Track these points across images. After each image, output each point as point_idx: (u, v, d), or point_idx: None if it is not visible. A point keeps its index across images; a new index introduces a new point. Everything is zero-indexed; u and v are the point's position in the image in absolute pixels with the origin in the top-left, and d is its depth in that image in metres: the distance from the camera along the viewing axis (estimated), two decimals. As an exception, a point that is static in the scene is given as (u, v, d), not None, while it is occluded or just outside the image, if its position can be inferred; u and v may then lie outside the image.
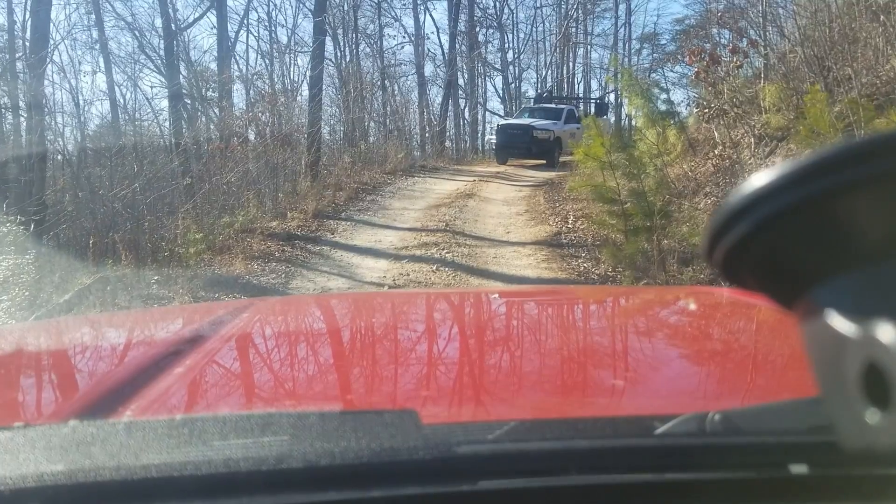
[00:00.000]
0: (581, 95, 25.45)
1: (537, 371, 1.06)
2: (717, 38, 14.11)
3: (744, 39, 10.32)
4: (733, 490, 0.53)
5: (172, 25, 21.15)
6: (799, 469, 0.53)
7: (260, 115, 13.90)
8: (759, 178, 0.39)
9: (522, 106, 20.89)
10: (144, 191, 10.23)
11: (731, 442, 0.56)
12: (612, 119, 17.04)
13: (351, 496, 0.51)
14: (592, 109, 19.43)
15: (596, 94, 29.20)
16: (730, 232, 0.40)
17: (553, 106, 17.67)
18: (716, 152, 8.80)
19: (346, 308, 1.76)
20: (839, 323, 0.38)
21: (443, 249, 7.85)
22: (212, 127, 15.54)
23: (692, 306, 1.60)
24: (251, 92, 18.29)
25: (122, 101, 24.01)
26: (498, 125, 17.60)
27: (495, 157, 17.39)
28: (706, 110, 8.33)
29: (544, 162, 15.81)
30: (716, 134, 9.79)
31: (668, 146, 10.34)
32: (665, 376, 1.03)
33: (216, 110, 18.25)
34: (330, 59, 23.81)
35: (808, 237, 0.39)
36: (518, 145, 15.91)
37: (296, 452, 0.52)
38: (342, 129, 19.62)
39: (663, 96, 11.28)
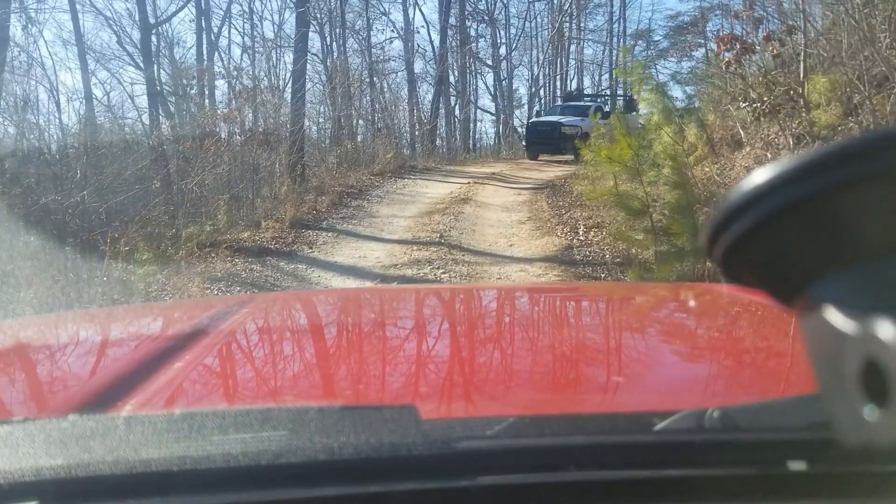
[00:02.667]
0: (609, 92, 24.80)
1: (536, 367, 1.03)
2: (726, 30, 12.88)
3: (758, 29, 9.08)
4: (732, 486, 0.53)
5: (150, 17, 19.72)
6: (797, 466, 0.52)
7: (236, 112, 12.50)
8: (759, 175, 0.37)
9: (553, 104, 22.38)
10: (103, 196, 8.91)
11: (729, 438, 0.55)
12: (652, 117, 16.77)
13: (350, 491, 0.50)
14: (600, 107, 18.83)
15: (587, 91, 28.14)
16: (729, 228, 0.39)
17: (581, 103, 17.90)
18: (745, 151, 7.56)
19: (346, 303, 1.67)
20: (838, 320, 0.37)
21: (437, 268, 6.57)
22: (187, 125, 14.15)
23: (691, 303, 1.56)
24: (235, 88, 16.86)
25: (105, 98, 22.83)
26: (528, 123, 18.83)
27: (526, 153, 17.96)
28: (756, 105, 7.07)
29: (573, 157, 15.42)
30: (742, 133, 8.56)
31: (687, 146, 9.14)
32: (664, 373, 0.99)
33: (193, 107, 16.95)
34: (316, 55, 22.54)
35: (807, 234, 0.38)
36: (547, 141, 16.38)
37: (295, 447, 0.51)
38: (329, 127, 18.30)
39: (675, 91, 10.06)
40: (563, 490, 0.52)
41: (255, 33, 21.85)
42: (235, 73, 19.22)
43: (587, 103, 18.01)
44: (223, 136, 12.52)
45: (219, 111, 13.13)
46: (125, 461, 0.49)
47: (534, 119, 19.30)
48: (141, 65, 21.63)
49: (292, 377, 1.00)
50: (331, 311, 1.59)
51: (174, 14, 21.25)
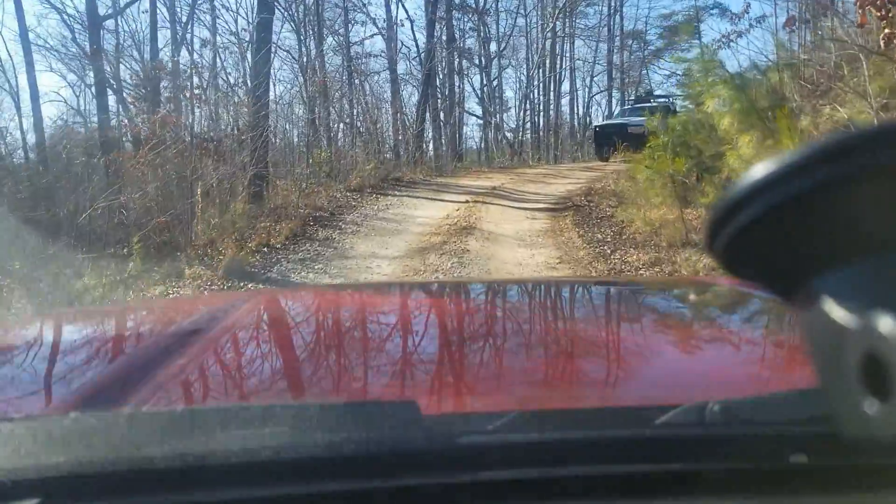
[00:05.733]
0: (674, 94, 23.48)
1: (537, 362, 1.01)
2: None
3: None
4: (733, 480, 0.52)
5: (99, 9, 16.68)
6: (798, 459, 0.51)
7: (174, 115, 9.57)
8: (759, 169, 0.37)
9: (621, 107, 22.94)
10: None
11: (730, 432, 0.54)
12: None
13: (352, 487, 0.50)
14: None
15: (580, 92, 25.64)
16: (730, 223, 0.38)
17: (647, 105, 17.71)
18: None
19: (347, 299, 1.60)
20: (838, 313, 0.36)
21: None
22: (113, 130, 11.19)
23: (692, 297, 1.52)
24: (178, 87, 13.79)
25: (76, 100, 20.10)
26: (596, 127, 19.34)
27: (595, 154, 18.73)
28: None
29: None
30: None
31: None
32: (665, 367, 0.95)
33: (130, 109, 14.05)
34: (289, 52, 19.57)
35: (808, 228, 0.38)
36: (614, 143, 16.25)
37: (296, 444, 0.50)
38: (303, 133, 15.42)
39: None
40: (564, 484, 0.51)
41: (218, 24, 18.80)
42: (189, 69, 16.23)
43: (653, 104, 16.81)
44: (177, 141, 9.58)
45: (156, 114, 10.12)
46: (128, 458, 0.48)
47: (602, 122, 19.95)
48: (105, 63, 18.83)
49: (294, 373, 0.96)
50: (332, 307, 1.49)
51: (128, 5, 18.14)
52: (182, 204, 8.65)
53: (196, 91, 10.40)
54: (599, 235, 7.19)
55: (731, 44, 9.84)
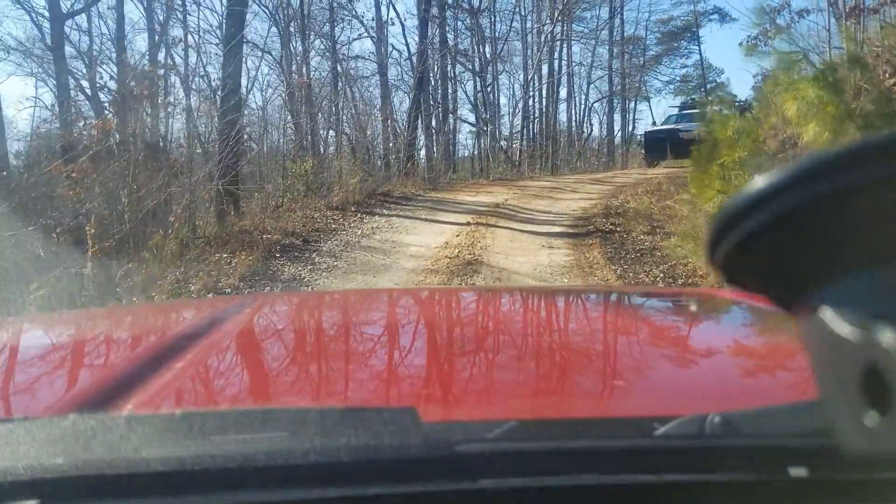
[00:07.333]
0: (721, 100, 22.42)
1: (538, 371, 0.98)
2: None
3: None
4: (732, 492, 0.51)
5: (61, 5, 14.93)
6: (798, 472, 0.50)
7: (112, 120, 7.80)
8: (762, 179, 0.36)
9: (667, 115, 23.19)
10: None
11: (730, 444, 0.52)
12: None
13: (349, 493, 0.49)
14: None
15: (585, 97, 24.21)
16: (732, 232, 0.37)
17: (694, 111, 17.41)
18: None
19: (348, 304, 1.58)
20: (839, 325, 0.36)
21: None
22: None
23: (693, 308, 1.48)
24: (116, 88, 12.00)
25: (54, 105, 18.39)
26: (645, 132, 19.54)
27: (645, 160, 18.54)
28: None
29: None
30: None
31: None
32: (665, 377, 0.93)
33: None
34: (269, 52, 17.86)
35: (809, 239, 0.37)
36: (664, 148, 16.39)
37: (294, 448, 0.49)
38: (283, 140, 13.71)
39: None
40: (563, 494, 0.50)
41: (200, 24, 17.03)
42: (165, 70, 14.44)
43: (703, 110, 15.82)
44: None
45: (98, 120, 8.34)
46: (125, 461, 0.48)
47: (651, 128, 19.87)
48: (83, 65, 17.12)
49: (293, 378, 0.94)
50: (333, 311, 1.49)
51: (93, 3, 16.29)
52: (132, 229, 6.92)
53: (146, 93, 8.58)
54: (645, 277, 5.50)
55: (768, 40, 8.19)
